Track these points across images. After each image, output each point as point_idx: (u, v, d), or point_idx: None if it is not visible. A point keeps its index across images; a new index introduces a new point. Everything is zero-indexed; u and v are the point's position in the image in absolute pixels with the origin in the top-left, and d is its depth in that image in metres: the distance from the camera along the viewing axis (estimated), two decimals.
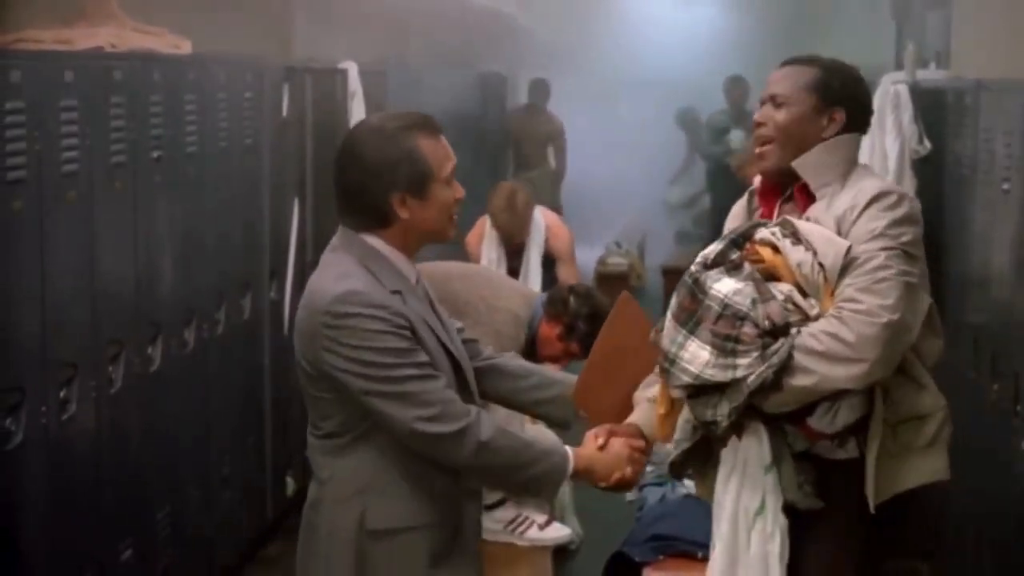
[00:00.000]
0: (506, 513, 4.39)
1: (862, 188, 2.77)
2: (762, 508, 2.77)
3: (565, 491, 5.08)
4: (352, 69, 5.82)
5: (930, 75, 5.92)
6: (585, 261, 9.70)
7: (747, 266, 2.75)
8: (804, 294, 2.72)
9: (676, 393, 2.78)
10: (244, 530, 4.70)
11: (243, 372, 4.67)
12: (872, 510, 2.73)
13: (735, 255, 2.78)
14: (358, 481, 2.66)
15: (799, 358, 2.63)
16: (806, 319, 2.69)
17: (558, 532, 4.53)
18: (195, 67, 4.14)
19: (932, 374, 2.79)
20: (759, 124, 2.90)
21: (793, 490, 2.78)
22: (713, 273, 2.75)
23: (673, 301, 2.80)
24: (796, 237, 2.74)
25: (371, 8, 7.39)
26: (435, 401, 2.60)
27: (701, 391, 2.72)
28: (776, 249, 2.75)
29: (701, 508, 3.94)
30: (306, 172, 5.35)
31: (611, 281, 9.73)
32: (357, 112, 5.77)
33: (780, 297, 2.70)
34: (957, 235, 4.58)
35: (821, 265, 2.68)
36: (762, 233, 2.79)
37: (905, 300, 2.65)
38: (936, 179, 4.97)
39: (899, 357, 2.68)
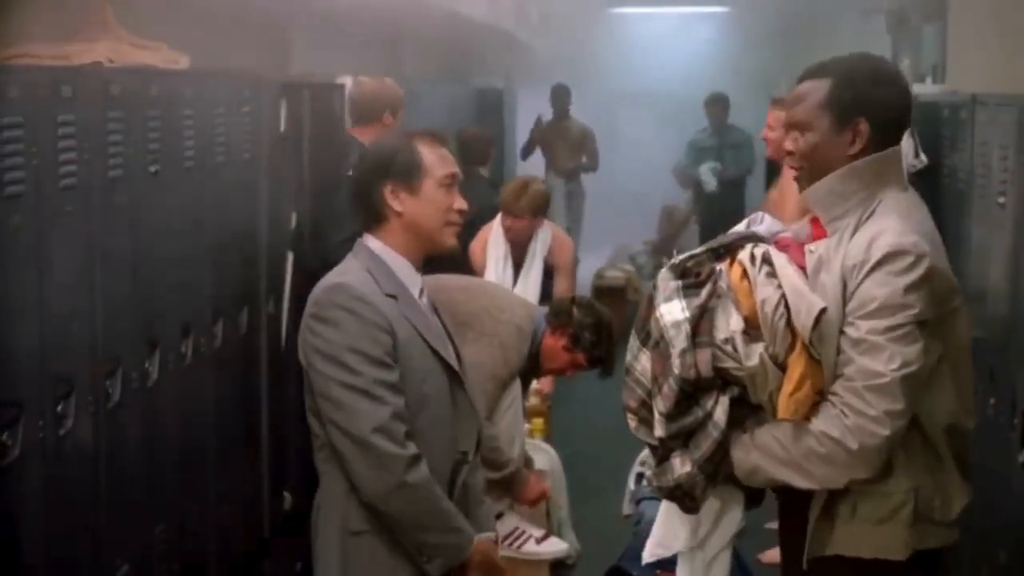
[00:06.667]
0: (503, 527, 4.39)
1: (878, 238, 2.50)
2: None
3: (562, 505, 5.08)
4: (350, 84, 5.83)
5: (926, 89, 5.95)
6: (583, 273, 9.74)
7: (707, 289, 2.57)
8: (752, 328, 2.54)
9: (631, 406, 2.71)
10: (241, 545, 4.68)
11: (240, 387, 4.66)
12: (804, 566, 2.63)
13: (707, 267, 2.62)
14: (343, 485, 2.76)
15: (796, 455, 2.51)
16: (739, 368, 2.52)
17: (555, 546, 4.53)
18: (193, 82, 4.14)
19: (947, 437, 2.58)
20: (789, 152, 2.69)
21: None
22: (672, 286, 2.61)
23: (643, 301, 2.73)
24: (773, 271, 2.53)
25: (369, 23, 7.41)
26: (374, 425, 2.63)
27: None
28: (746, 274, 2.56)
29: None
30: (304, 187, 5.34)
31: (608, 294, 9.74)
32: None
33: (721, 336, 2.53)
34: (953, 249, 4.54)
35: (787, 311, 2.47)
36: (743, 253, 2.61)
37: (911, 393, 2.46)
38: (932, 193, 4.96)
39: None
